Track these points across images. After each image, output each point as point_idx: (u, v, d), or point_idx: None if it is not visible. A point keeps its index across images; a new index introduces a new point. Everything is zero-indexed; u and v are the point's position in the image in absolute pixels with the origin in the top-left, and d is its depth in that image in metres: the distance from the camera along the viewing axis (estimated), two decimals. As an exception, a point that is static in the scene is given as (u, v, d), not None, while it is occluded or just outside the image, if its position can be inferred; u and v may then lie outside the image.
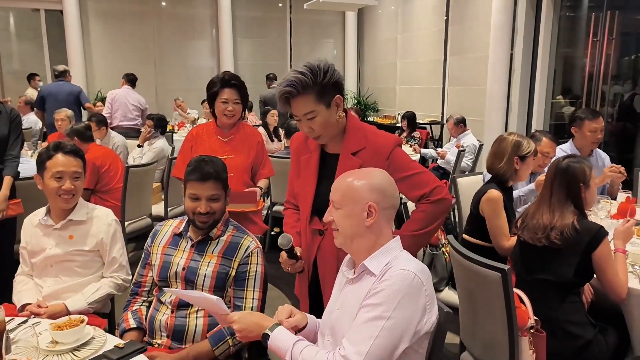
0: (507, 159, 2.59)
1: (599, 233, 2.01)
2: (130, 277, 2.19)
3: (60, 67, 6.52)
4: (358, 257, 1.45)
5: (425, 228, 1.73)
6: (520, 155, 2.59)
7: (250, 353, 2.02)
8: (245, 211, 2.64)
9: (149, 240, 2.03)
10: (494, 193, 2.53)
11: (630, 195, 3.03)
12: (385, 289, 1.30)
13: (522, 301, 1.95)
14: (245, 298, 1.87)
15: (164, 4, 9.85)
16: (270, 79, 8.54)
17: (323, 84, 1.65)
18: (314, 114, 1.67)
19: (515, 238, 2.33)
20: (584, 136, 3.28)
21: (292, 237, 1.74)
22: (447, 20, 7.99)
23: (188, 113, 8.46)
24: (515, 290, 1.93)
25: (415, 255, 1.68)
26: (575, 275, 2.03)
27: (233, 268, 1.89)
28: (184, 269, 1.89)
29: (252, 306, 1.86)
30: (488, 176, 2.86)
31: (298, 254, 1.77)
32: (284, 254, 1.80)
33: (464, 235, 2.78)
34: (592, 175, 2.16)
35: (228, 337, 1.80)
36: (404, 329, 1.29)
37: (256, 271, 1.90)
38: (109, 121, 6.35)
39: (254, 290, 1.89)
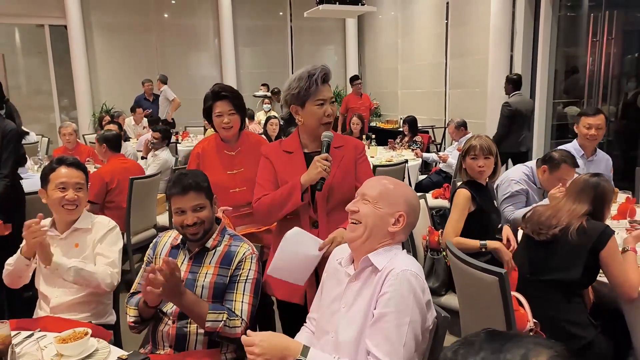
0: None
1: (606, 231, 2.04)
2: (119, 277, 2.19)
3: None
4: (360, 252, 1.50)
5: None
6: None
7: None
8: (259, 231, 2.47)
9: (149, 251, 2.06)
10: (462, 190, 2.60)
11: (630, 195, 3.02)
12: (395, 295, 1.37)
13: (520, 304, 1.96)
14: (234, 301, 1.86)
15: (166, 15, 9.95)
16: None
17: None
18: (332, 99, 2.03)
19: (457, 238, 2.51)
20: (580, 132, 3.29)
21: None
22: (447, 24, 8.01)
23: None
24: (514, 293, 1.94)
25: None
26: (583, 276, 2.04)
27: (229, 277, 1.91)
28: (182, 281, 1.90)
29: (242, 309, 1.85)
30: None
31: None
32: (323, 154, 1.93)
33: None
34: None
35: (224, 312, 1.80)
36: (419, 327, 1.38)
37: (247, 276, 1.90)
38: None
39: (243, 294, 1.87)
